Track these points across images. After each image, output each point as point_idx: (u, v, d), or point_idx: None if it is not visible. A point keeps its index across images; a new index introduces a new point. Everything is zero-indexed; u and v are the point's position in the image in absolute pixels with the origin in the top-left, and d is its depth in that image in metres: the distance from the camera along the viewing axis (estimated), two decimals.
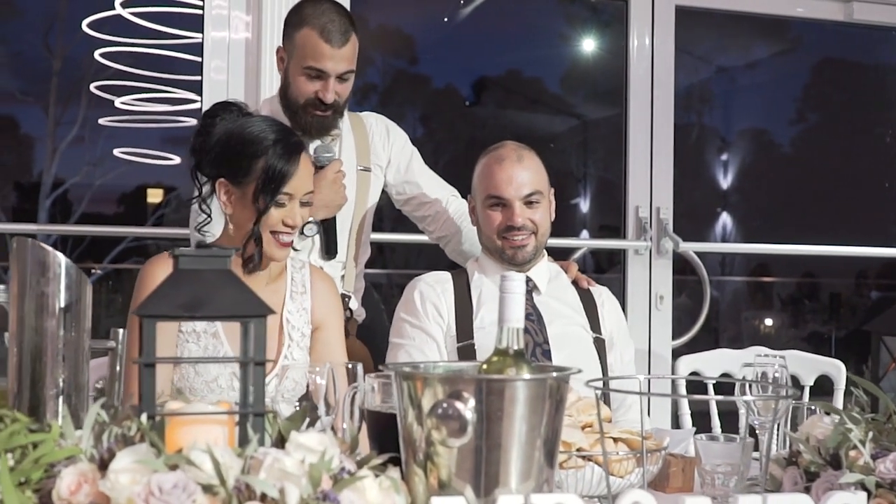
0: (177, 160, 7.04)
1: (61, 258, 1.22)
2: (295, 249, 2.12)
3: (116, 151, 6.98)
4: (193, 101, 5.53)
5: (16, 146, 7.77)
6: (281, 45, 2.49)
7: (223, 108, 2.09)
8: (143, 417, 1.05)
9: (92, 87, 6.15)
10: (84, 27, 4.60)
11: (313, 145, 2.45)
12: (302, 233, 2.29)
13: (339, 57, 2.38)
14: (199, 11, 3.55)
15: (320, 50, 2.37)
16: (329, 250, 2.45)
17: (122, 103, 5.86)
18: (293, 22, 2.44)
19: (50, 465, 1.03)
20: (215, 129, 2.04)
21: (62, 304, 1.22)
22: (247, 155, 1.97)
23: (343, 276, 2.50)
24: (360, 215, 2.55)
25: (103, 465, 1.01)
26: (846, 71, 6.01)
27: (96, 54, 5.00)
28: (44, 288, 1.21)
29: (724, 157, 6.86)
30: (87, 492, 0.99)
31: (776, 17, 4.03)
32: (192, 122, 5.95)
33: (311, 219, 2.33)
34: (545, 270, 2.37)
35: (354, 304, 2.54)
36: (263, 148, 1.96)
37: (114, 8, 4.17)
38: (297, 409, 1.46)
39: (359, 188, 2.52)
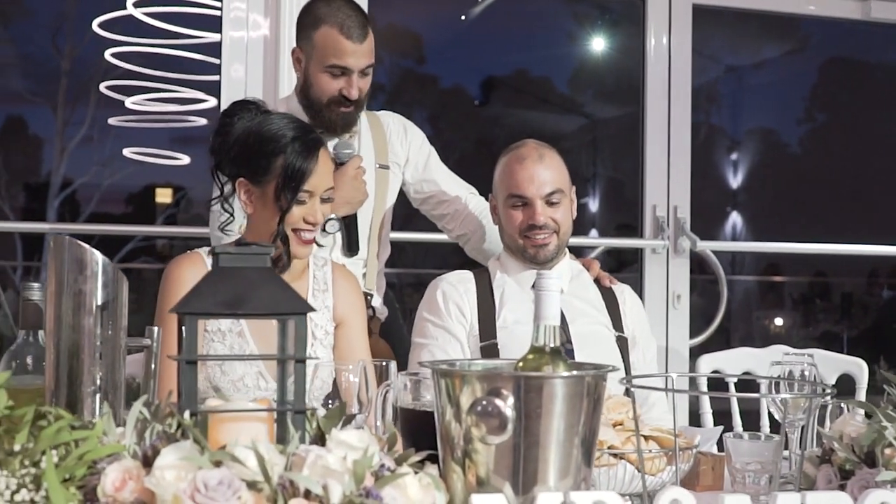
0: (186, 160, 7.06)
1: (98, 256, 1.22)
2: (319, 245, 2.12)
3: (126, 151, 7.00)
4: (204, 101, 5.55)
5: (24, 147, 7.80)
6: (296, 46, 2.47)
7: (241, 106, 2.08)
8: (186, 414, 1.05)
9: (102, 87, 6.17)
10: (95, 27, 4.61)
11: (332, 142, 2.45)
12: (324, 230, 2.29)
13: (360, 52, 2.37)
14: (212, 12, 3.55)
15: (342, 47, 2.36)
16: (351, 247, 2.45)
17: (133, 103, 5.87)
18: (308, 22, 2.42)
19: (93, 462, 1.03)
20: (234, 129, 2.03)
21: (99, 302, 1.22)
22: (265, 153, 1.96)
23: (365, 275, 2.50)
24: (380, 213, 2.54)
25: (147, 462, 1.01)
26: (854, 70, 6.01)
27: (107, 54, 5.00)
28: (81, 286, 1.21)
29: (733, 156, 6.86)
30: (133, 488, 0.99)
31: (791, 16, 4.03)
32: (203, 121, 5.97)
33: (332, 215, 2.32)
34: (567, 269, 2.37)
35: (377, 301, 2.54)
36: (282, 146, 1.95)
37: (125, 8, 4.18)
38: (329, 407, 1.47)
39: (378, 186, 2.52)
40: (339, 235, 2.45)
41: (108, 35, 4.67)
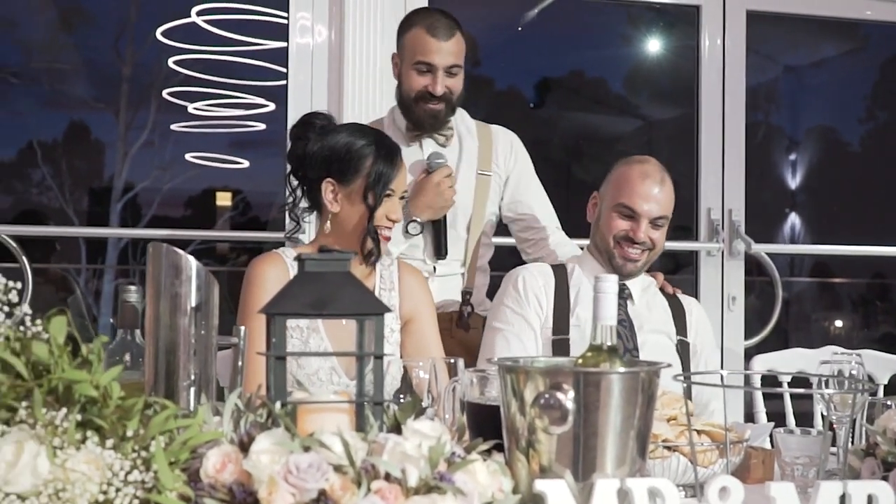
0: (245, 164, 7.24)
1: (193, 262, 1.33)
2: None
3: (188, 156, 7.19)
4: (264, 106, 5.70)
5: (87, 151, 7.99)
6: (395, 52, 2.66)
7: (314, 115, 2.26)
8: (277, 405, 1.16)
9: (164, 93, 6.35)
10: (158, 35, 4.78)
11: (427, 151, 2.60)
12: (407, 232, 2.44)
13: (445, 50, 2.53)
14: (274, 20, 3.70)
15: (428, 45, 2.53)
16: (439, 251, 2.57)
17: (194, 108, 6.04)
18: (403, 28, 2.62)
19: (194, 447, 1.14)
20: (315, 135, 2.19)
21: (193, 304, 1.33)
22: (357, 155, 2.15)
23: (463, 275, 2.63)
24: (479, 217, 2.66)
25: (243, 448, 1.13)
26: None
27: (170, 61, 5.17)
28: (177, 289, 1.33)
29: (792, 156, 6.83)
30: (232, 470, 1.10)
31: (848, 20, 4.05)
32: (261, 126, 6.12)
33: (415, 218, 2.47)
34: (640, 281, 2.43)
35: (476, 299, 2.64)
36: (371, 149, 2.15)
37: (189, 16, 4.34)
38: (400, 401, 1.57)
39: (477, 190, 2.64)
40: (427, 240, 2.57)
41: (169, 42, 4.84)
